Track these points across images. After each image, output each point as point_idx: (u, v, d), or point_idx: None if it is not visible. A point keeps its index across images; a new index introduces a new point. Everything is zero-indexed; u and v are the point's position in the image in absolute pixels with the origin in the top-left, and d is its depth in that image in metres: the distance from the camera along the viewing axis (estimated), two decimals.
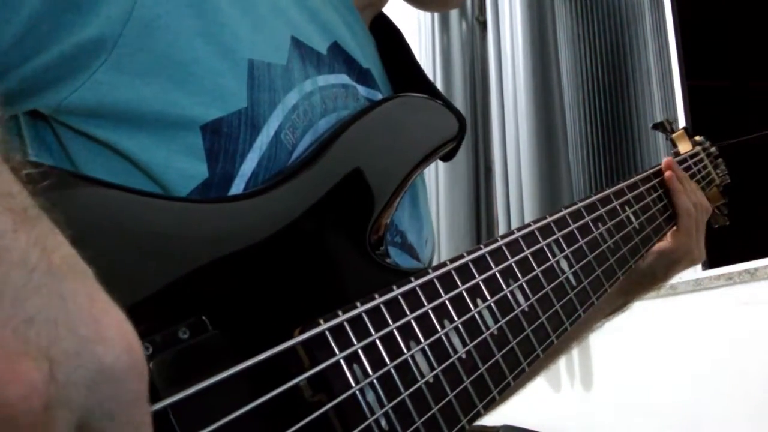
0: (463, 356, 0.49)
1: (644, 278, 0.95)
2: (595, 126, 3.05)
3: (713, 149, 1.14)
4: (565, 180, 2.72)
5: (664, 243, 0.95)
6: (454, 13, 3.20)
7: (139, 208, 0.39)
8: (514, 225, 2.76)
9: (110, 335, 0.26)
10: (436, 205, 2.97)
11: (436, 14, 3.17)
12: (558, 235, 0.65)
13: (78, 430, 0.26)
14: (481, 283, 0.54)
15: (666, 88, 2.82)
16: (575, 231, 0.68)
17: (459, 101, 3.08)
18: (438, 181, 3.00)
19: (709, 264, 2.45)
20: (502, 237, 0.59)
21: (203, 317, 0.38)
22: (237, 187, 0.48)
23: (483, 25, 3.22)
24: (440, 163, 2.86)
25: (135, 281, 0.37)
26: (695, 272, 2.38)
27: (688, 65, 2.76)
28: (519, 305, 0.56)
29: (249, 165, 0.49)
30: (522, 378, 0.58)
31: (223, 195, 0.48)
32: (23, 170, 0.30)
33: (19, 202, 0.27)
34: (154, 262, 0.38)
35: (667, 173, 0.96)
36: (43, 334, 0.25)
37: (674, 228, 0.95)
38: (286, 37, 0.55)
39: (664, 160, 0.98)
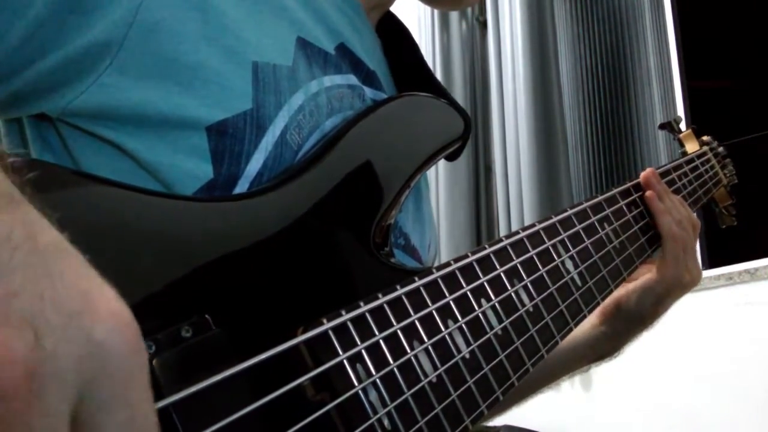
0: (467, 356, 0.49)
1: (631, 321, 0.83)
2: (595, 126, 3.05)
3: (721, 149, 1.13)
4: (564, 180, 2.72)
5: (649, 276, 0.82)
6: (454, 13, 3.20)
7: (142, 205, 0.39)
8: (514, 225, 2.76)
9: (101, 310, 0.25)
10: (436, 205, 2.97)
11: (436, 14, 3.17)
12: (563, 235, 0.65)
13: (74, 411, 0.24)
14: (485, 283, 0.53)
15: (666, 88, 2.83)
16: (581, 231, 0.67)
17: (459, 101, 3.07)
18: (438, 181, 3.00)
19: (709, 264, 2.45)
20: (507, 237, 0.58)
21: (206, 316, 0.38)
22: (242, 187, 0.48)
23: (483, 25, 3.22)
24: (440, 163, 2.86)
25: (138, 279, 0.37)
26: None
27: (688, 65, 2.76)
28: (524, 305, 0.56)
29: (254, 166, 0.49)
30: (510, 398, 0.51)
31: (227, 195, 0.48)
32: (6, 160, 0.30)
33: (3, 188, 0.27)
34: (156, 260, 0.38)
35: (648, 192, 0.81)
36: (27, 306, 0.24)
37: (659, 255, 0.81)
38: (292, 37, 0.55)
39: (642, 173, 0.83)
